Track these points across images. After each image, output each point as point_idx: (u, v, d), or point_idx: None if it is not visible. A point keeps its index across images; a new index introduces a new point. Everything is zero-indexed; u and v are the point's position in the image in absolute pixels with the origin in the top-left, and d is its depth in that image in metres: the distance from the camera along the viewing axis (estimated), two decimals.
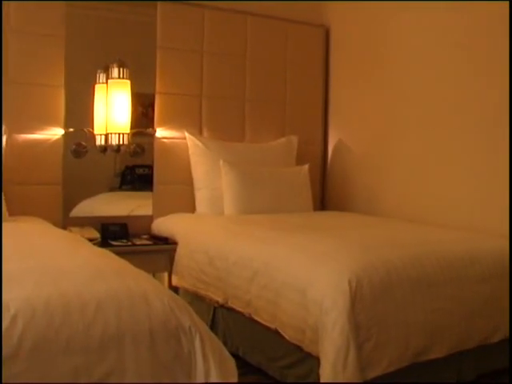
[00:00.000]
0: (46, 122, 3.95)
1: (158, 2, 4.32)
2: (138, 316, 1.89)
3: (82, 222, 4.00)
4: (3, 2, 3.78)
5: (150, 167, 4.36)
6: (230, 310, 3.29)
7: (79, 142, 4.07)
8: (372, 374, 2.58)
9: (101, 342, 1.81)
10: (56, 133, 3.98)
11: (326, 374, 2.53)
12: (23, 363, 1.72)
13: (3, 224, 3.32)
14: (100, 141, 4.09)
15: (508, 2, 3.60)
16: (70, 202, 4.09)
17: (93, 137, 4.10)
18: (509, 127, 3.61)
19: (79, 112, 4.14)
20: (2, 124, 3.61)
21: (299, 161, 4.63)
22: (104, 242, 3.71)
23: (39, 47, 3.95)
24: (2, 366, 1.67)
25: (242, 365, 2.95)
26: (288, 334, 2.82)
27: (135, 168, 4.40)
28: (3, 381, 1.67)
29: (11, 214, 3.58)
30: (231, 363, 2.03)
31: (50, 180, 3.96)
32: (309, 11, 4.96)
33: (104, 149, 4.09)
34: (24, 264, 2.18)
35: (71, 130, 4.04)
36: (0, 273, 1.93)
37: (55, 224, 3.57)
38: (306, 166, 4.49)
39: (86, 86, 4.15)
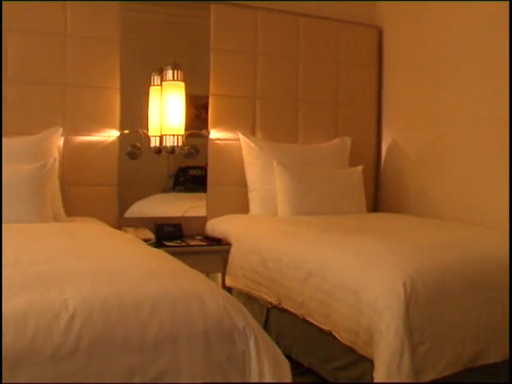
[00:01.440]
0: (102, 123, 4.03)
1: (212, 5, 4.34)
2: (193, 316, 1.90)
3: (137, 223, 4.06)
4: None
5: (203, 168, 4.39)
6: (283, 311, 3.29)
7: (134, 144, 4.13)
8: (426, 378, 2.54)
9: (156, 341, 1.83)
10: (111, 134, 4.05)
11: (379, 376, 2.51)
12: (80, 361, 1.75)
13: (60, 224, 3.40)
14: (155, 142, 4.13)
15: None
16: (124, 203, 4.15)
17: (147, 138, 4.15)
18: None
19: (134, 114, 4.19)
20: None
21: (352, 162, 4.60)
22: (158, 243, 3.75)
23: (95, 51, 4.03)
24: (61, 363, 1.71)
25: (295, 366, 2.95)
26: (341, 336, 2.81)
27: (188, 169, 4.43)
28: (61, 379, 1.71)
29: (68, 214, 3.65)
30: (285, 365, 2.02)
31: (105, 181, 4.03)
32: (361, 11, 4.93)
33: (158, 150, 4.13)
34: (81, 264, 2.22)
35: (126, 131, 4.10)
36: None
37: (110, 224, 3.63)
38: (360, 168, 4.47)
39: (140, 88, 4.21)
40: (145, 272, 2.15)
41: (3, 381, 1.67)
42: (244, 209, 4.32)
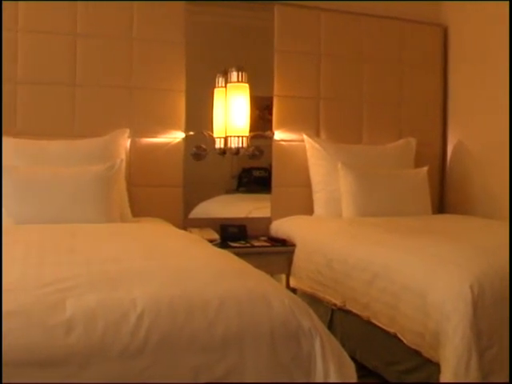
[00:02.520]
0: (168, 125, 4.09)
1: (276, 6, 4.36)
2: (259, 316, 1.91)
3: (201, 224, 4.10)
4: None
5: (266, 169, 4.41)
6: (348, 312, 3.28)
7: (199, 145, 4.17)
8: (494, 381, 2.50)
9: (222, 341, 1.84)
10: (177, 136, 4.11)
11: (447, 379, 2.48)
12: (148, 359, 1.77)
13: (127, 224, 3.46)
14: (219, 144, 4.17)
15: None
16: (188, 204, 4.19)
17: (212, 140, 4.18)
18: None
19: (199, 116, 4.24)
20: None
21: (417, 163, 4.54)
22: (223, 244, 3.78)
23: (161, 54, 4.10)
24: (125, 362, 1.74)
25: (359, 368, 2.92)
26: (407, 339, 2.78)
27: (252, 170, 4.45)
28: (129, 376, 1.74)
29: (134, 215, 3.72)
30: (351, 367, 2.00)
31: (171, 182, 4.09)
32: (425, 10, 4.86)
33: (223, 151, 4.17)
34: (148, 264, 2.26)
35: (191, 133, 4.15)
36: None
37: (175, 225, 3.66)
38: (425, 169, 4.41)
39: (205, 90, 4.24)
40: (211, 272, 2.17)
41: (75, 377, 1.71)
42: (308, 210, 4.31)
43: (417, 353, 2.74)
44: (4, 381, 1.67)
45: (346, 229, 3.75)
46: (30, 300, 1.81)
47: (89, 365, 1.73)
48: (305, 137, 4.37)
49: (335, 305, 3.37)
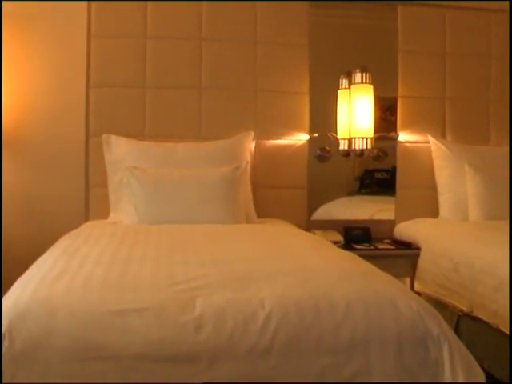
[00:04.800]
0: (292, 127, 4.12)
1: (399, 6, 4.29)
2: (386, 320, 1.89)
3: (324, 225, 4.09)
4: None
5: (388, 171, 4.35)
6: (475, 319, 3.18)
7: (323, 147, 4.17)
8: None
9: (349, 343, 1.84)
10: (301, 138, 4.13)
11: None
12: (275, 359, 1.80)
13: (252, 225, 3.51)
14: (343, 145, 4.16)
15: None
16: (310, 205, 4.20)
17: (336, 141, 4.18)
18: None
19: (323, 117, 4.24)
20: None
21: None
22: (347, 246, 3.76)
23: (285, 56, 4.13)
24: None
25: (486, 377, 2.83)
26: None
27: (374, 172, 4.41)
28: (256, 376, 1.76)
29: (259, 216, 3.76)
30: (480, 376, 1.95)
31: (295, 184, 4.12)
32: None
33: (347, 153, 4.15)
34: (275, 264, 2.28)
35: (315, 135, 4.16)
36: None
37: (299, 226, 3.68)
38: None
39: (329, 91, 4.24)
40: (338, 274, 2.16)
41: (204, 374, 1.76)
42: (433, 212, 4.21)
43: None
44: (137, 374, 1.74)
45: (472, 232, 3.64)
46: (162, 298, 1.87)
47: (217, 362, 1.77)
48: (430, 138, 4.28)
49: (462, 311, 3.28)
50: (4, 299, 1.93)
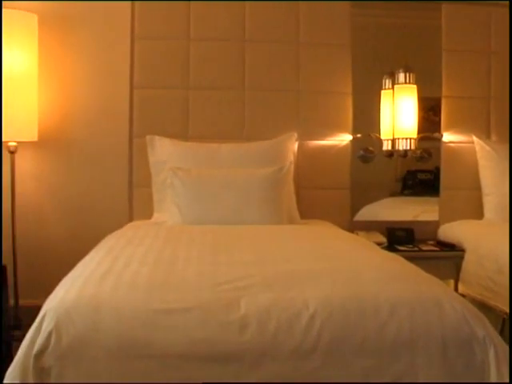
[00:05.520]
0: (335, 128, 4.10)
1: (443, 5, 4.25)
2: (431, 321, 1.88)
3: (367, 226, 4.07)
4: None
5: (431, 172, 4.31)
6: None
7: (367, 148, 4.16)
8: None
9: (393, 345, 1.83)
10: (344, 138, 4.12)
11: None
12: (319, 360, 1.80)
13: (296, 226, 3.50)
14: (387, 146, 4.13)
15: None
16: (353, 206, 4.18)
17: (379, 142, 4.16)
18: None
19: (366, 118, 4.22)
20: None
21: None
22: (390, 247, 3.74)
23: (327, 57, 4.12)
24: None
25: None
26: None
27: (416, 173, 4.37)
28: (299, 376, 1.76)
29: (302, 217, 3.76)
30: None
31: (338, 185, 4.10)
32: None
33: (390, 154, 4.13)
34: (319, 265, 2.27)
35: (359, 135, 4.14)
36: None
37: (342, 227, 3.66)
38: None
39: (372, 92, 4.22)
40: (383, 275, 2.15)
41: (248, 374, 1.76)
42: (478, 214, 4.16)
43: None
44: (181, 373, 1.76)
45: None
46: (207, 297, 1.89)
47: (261, 362, 1.78)
48: (474, 138, 4.23)
49: (507, 314, 3.24)
50: (50, 297, 1.96)
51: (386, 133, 4.13)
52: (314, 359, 1.79)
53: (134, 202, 3.98)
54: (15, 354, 1.82)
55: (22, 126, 3.75)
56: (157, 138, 3.84)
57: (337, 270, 2.19)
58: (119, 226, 3.47)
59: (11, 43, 3.70)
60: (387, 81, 4.18)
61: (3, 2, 3.66)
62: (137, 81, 3.98)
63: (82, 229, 3.99)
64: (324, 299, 1.88)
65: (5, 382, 1.78)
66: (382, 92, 4.19)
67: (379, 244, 3.53)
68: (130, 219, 3.91)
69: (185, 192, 3.52)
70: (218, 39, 4.04)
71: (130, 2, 3.98)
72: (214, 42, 4.03)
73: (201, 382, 1.76)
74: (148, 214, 3.81)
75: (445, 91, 4.25)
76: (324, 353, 1.80)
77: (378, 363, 1.82)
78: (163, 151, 3.78)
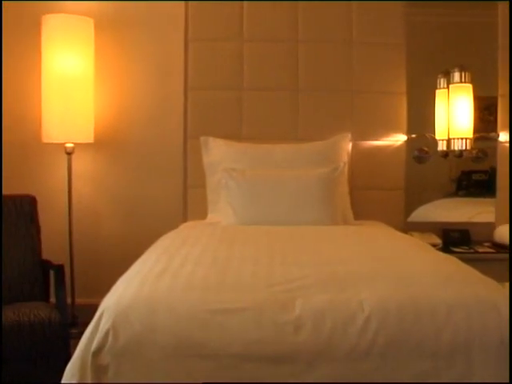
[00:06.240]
0: (389, 128, 4.08)
1: (499, 2, 4.18)
2: (488, 325, 1.86)
3: (421, 227, 4.03)
4: None
5: (486, 172, 4.25)
6: None
7: (422, 148, 4.11)
8: None
9: (450, 348, 1.81)
10: (399, 139, 4.08)
11: None
12: (374, 362, 1.79)
13: (350, 227, 3.48)
14: (442, 146, 4.08)
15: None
16: (407, 207, 4.14)
17: (434, 142, 4.11)
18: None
19: (421, 118, 4.18)
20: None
21: None
22: (445, 248, 3.69)
23: (381, 56, 4.09)
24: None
25: None
26: None
27: (471, 173, 4.31)
28: (354, 378, 1.76)
29: (356, 218, 3.73)
30: None
31: (392, 185, 4.07)
32: None
33: (445, 154, 4.08)
34: (375, 266, 2.26)
35: (413, 135, 4.10)
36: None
37: (396, 228, 3.61)
38: None
39: (427, 91, 4.17)
40: (439, 277, 2.13)
41: (302, 375, 1.77)
42: None
43: None
44: (236, 373, 1.77)
45: None
46: (262, 298, 1.90)
47: (316, 364, 1.78)
48: None
49: None
50: (107, 296, 2.00)
51: (441, 133, 4.08)
52: (368, 361, 1.79)
53: (188, 203, 4.01)
54: (72, 351, 1.86)
55: (79, 127, 3.83)
56: (211, 139, 3.86)
57: (392, 272, 2.17)
58: (174, 226, 3.50)
59: (68, 47, 3.79)
60: (442, 80, 4.13)
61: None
62: (191, 82, 4.02)
63: (136, 229, 4.06)
64: (379, 301, 1.87)
65: (64, 377, 1.82)
66: (437, 91, 4.14)
67: (434, 245, 3.49)
68: (184, 220, 3.94)
69: (239, 193, 3.54)
70: (271, 40, 4.05)
71: (183, 2, 4.01)
72: (267, 42, 4.04)
73: (255, 381, 1.77)
74: (202, 214, 3.84)
75: (501, 90, 4.18)
76: (379, 355, 1.79)
77: (433, 366, 1.81)
78: (217, 152, 3.81)
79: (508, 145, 4.17)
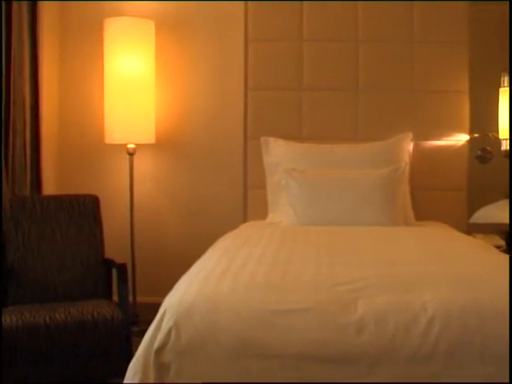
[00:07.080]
0: (451, 127, 4.01)
1: None
2: None
3: (484, 229, 3.96)
4: None
5: None
6: None
7: (485, 148, 4.04)
8: None
9: None
10: (461, 138, 4.02)
11: None
12: (437, 365, 1.77)
13: (411, 228, 3.45)
14: (505, 146, 4.00)
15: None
16: (469, 208, 4.07)
17: (497, 142, 4.03)
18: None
19: (484, 117, 4.10)
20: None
21: None
22: (509, 250, 3.61)
23: (444, 55, 4.03)
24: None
25: None
26: None
27: None
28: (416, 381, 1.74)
29: (418, 218, 3.69)
30: None
31: (454, 186, 4.01)
32: None
33: (509, 154, 3.99)
34: (438, 268, 2.24)
35: (476, 135, 4.04)
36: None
37: (458, 229, 3.57)
38: None
39: (490, 90, 4.09)
40: (503, 280, 2.08)
41: (365, 377, 1.76)
42: None
43: None
44: (298, 373, 1.77)
45: None
46: (324, 298, 1.90)
47: (378, 365, 1.77)
48: None
49: None
50: (170, 295, 2.02)
51: (504, 132, 4.00)
52: (431, 364, 1.78)
53: (248, 203, 4.03)
54: (134, 349, 1.89)
55: (140, 128, 3.89)
56: (271, 139, 3.87)
57: (455, 273, 2.15)
58: (234, 226, 3.53)
59: (130, 50, 3.86)
60: (505, 78, 4.04)
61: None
62: (251, 82, 4.03)
63: (197, 228, 4.10)
64: (442, 303, 1.85)
65: (127, 375, 1.84)
66: (500, 90, 4.06)
67: (497, 247, 3.43)
68: (245, 220, 3.96)
69: (300, 193, 3.53)
70: (331, 39, 4.03)
71: (243, 2, 4.03)
72: (327, 42, 4.03)
73: (318, 382, 1.76)
74: (262, 214, 3.85)
75: None
76: (443, 358, 1.78)
77: (499, 371, 1.78)
78: (277, 152, 3.81)
79: None
